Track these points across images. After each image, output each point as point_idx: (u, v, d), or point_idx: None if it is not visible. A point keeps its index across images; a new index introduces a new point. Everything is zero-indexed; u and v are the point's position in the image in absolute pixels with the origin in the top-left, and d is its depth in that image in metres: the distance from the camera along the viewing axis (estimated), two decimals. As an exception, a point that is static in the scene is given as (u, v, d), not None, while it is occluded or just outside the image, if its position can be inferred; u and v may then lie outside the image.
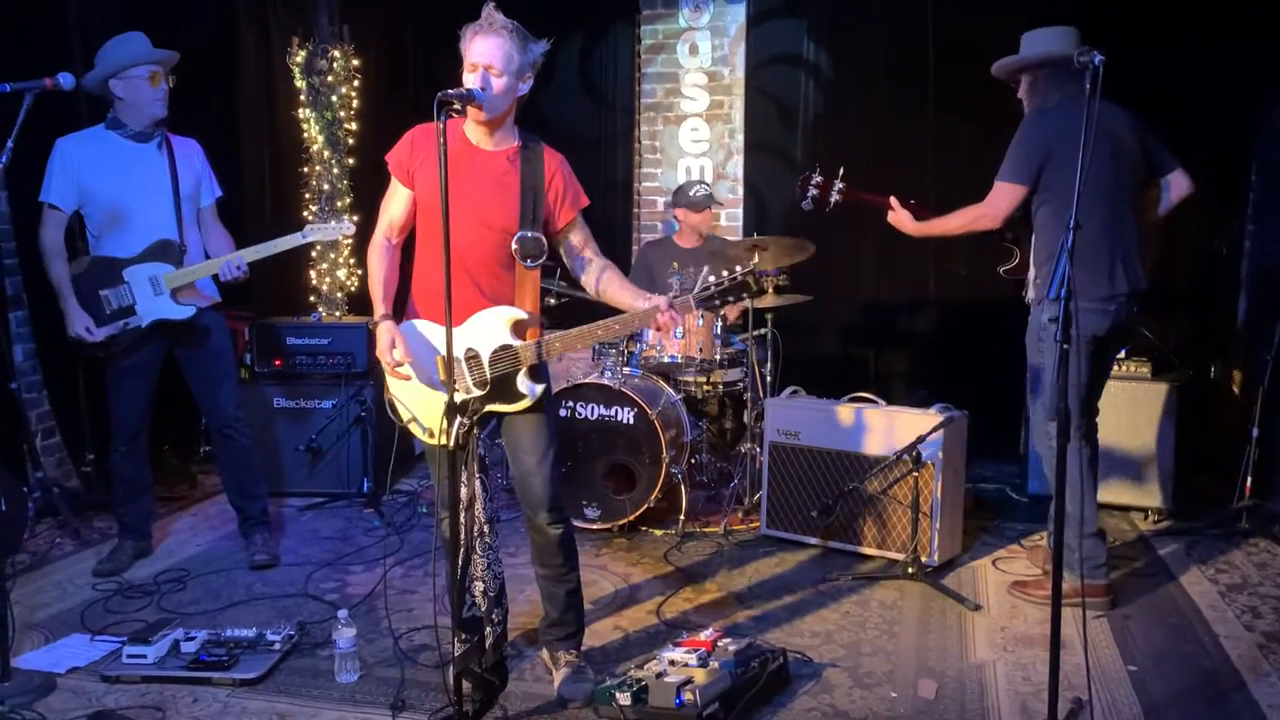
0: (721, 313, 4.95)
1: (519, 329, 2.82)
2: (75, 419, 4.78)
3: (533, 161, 2.87)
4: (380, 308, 2.88)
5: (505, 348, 2.80)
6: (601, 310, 2.99)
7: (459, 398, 2.84)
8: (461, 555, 2.65)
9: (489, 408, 2.82)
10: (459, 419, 2.59)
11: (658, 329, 2.77)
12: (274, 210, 5.88)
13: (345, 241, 5.65)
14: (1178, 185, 3.73)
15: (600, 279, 2.96)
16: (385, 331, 2.83)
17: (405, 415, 2.93)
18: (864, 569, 4.00)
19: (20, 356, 4.59)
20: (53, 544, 4.31)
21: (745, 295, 2.73)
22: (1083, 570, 3.53)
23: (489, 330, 2.80)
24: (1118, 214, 3.55)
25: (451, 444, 2.57)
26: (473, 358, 2.82)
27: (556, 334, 2.83)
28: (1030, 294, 3.72)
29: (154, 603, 3.71)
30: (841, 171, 4.00)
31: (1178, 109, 4.87)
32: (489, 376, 2.81)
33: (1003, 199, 3.60)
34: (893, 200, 3.86)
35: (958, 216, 3.71)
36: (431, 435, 2.89)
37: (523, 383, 2.81)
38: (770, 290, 4.73)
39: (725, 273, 2.71)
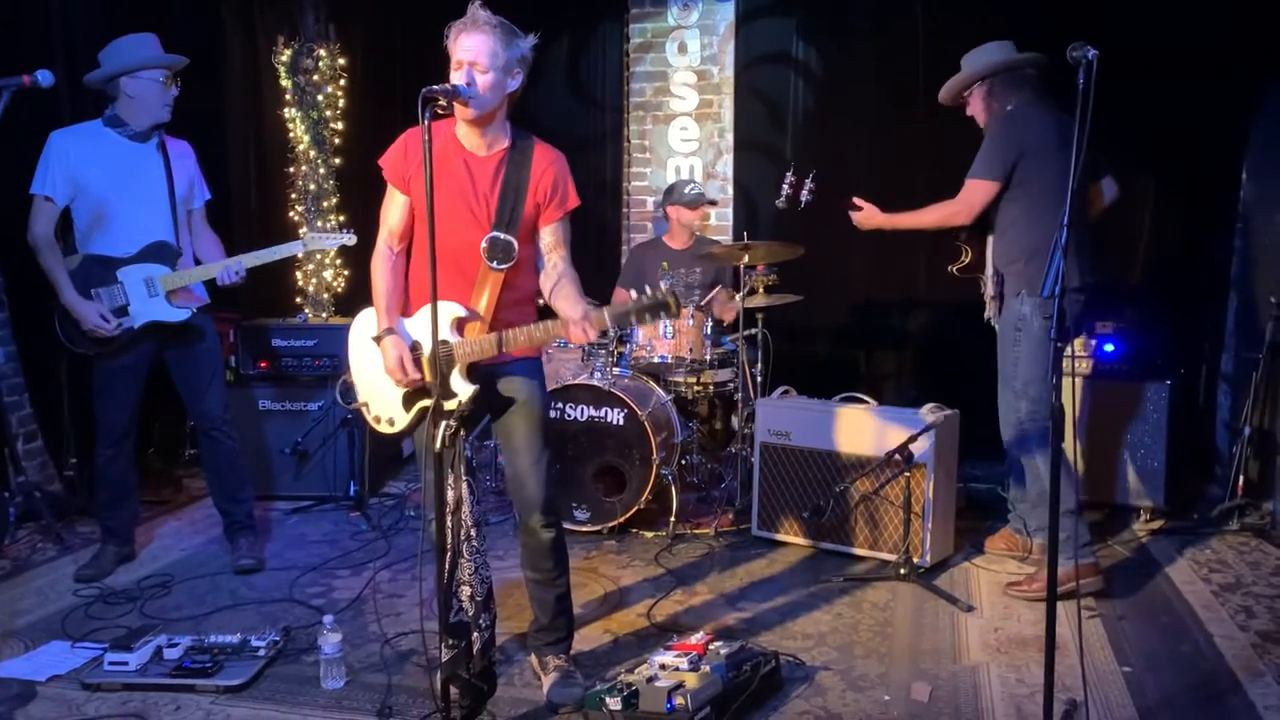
0: (716, 314, 4.94)
1: (459, 325, 2.80)
2: (58, 422, 4.72)
3: (520, 162, 2.83)
4: (384, 321, 2.86)
5: (442, 343, 2.76)
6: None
7: (404, 392, 2.87)
8: (449, 559, 2.61)
9: (455, 403, 2.75)
10: (444, 420, 2.55)
11: (570, 339, 2.73)
12: (260, 210, 5.84)
13: (333, 244, 5.60)
14: (1110, 190, 3.93)
15: (553, 287, 2.87)
16: (393, 347, 2.82)
17: (360, 399, 2.96)
18: (856, 570, 3.97)
19: (1, 359, 4.53)
20: (34, 549, 4.25)
21: (663, 315, 2.65)
22: (1076, 554, 3.54)
23: (430, 324, 2.76)
24: (1080, 212, 3.71)
25: (437, 446, 2.53)
26: (417, 351, 2.84)
27: (480, 338, 2.78)
28: (989, 291, 3.87)
29: (137, 608, 3.66)
30: (813, 173, 4.06)
31: (1167, 106, 4.87)
32: (418, 371, 2.80)
33: (976, 195, 3.73)
34: (855, 200, 3.98)
35: (931, 212, 3.84)
36: (379, 422, 2.94)
37: (456, 381, 2.77)
38: (760, 290, 4.74)
39: (648, 289, 2.67)
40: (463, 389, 2.77)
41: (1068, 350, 4.25)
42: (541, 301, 4.80)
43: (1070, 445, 4.46)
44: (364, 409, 2.98)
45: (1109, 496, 4.54)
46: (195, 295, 3.97)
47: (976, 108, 3.87)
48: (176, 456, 5.49)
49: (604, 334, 2.82)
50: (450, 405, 2.75)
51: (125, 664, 3.05)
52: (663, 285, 2.68)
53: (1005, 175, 3.67)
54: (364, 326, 2.98)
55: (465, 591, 2.69)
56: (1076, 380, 4.52)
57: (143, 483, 4.64)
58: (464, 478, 2.66)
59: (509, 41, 2.72)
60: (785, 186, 4.07)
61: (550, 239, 2.92)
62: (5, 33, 4.44)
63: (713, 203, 5.58)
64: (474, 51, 2.67)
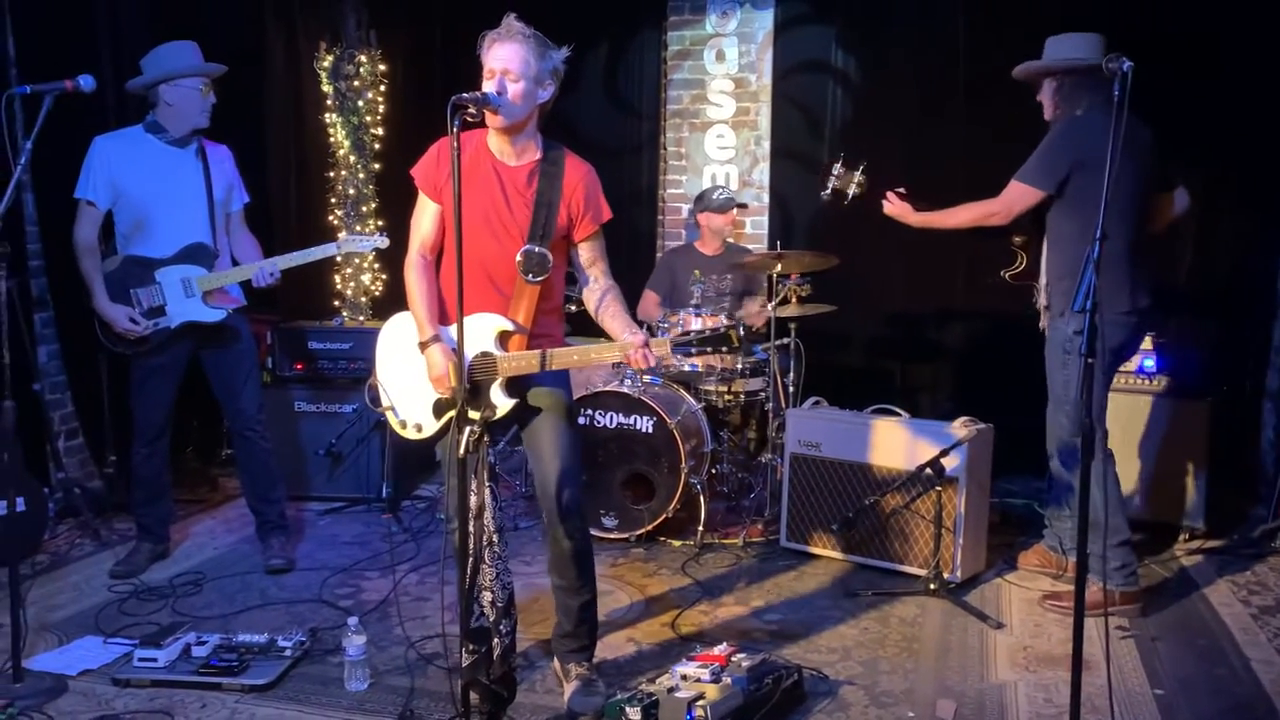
0: (747, 321, 4.92)
1: (503, 339, 2.82)
2: (98, 420, 4.80)
3: (552, 175, 2.85)
4: (428, 329, 2.87)
5: (485, 355, 2.79)
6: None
7: (438, 396, 2.88)
8: (470, 565, 2.62)
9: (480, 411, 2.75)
10: (469, 426, 2.56)
11: (628, 363, 2.74)
12: (300, 214, 5.90)
13: (371, 249, 5.66)
14: (1181, 201, 3.79)
15: (599, 302, 2.92)
16: (440, 356, 2.83)
17: (385, 403, 2.98)
18: (884, 584, 3.93)
19: (44, 358, 4.62)
20: (72, 545, 4.32)
21: (725, 348, 2.70)
22: (1106, 574, 3.50)
23: (475, 334, 2.79)
24: (1139, 229, 3.58)
25: (461, 451, 2.53)
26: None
27: (527, 352, 2.80)
28: (1042, 300, 3.75)
29: (169, 605, 3.71)
30: (863, 166, 3.98)
31: (1214, 119, 4.78)
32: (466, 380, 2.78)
33: (1017, 199, 3.62)
34: (889, 194, 3.87)
35: (966, 210, 3.72)
36: (404, 427, 2.96)
37: (495, 394, 2.79)
38: (793, 300, 4.72)
39: (710, 322, 2.69)
40: (503, 402, 2.79)
41: (1122, 367, 4.18)
42: (573, 306, 4.86)
43: (1134, 467, 4.40)
44: (390, 413, 2.99)
45: (1148, 515, 4.44)
46: (231, 296, 4.03)
47: (1046, 100, 3.70)
48: (213, 456, 5.56)
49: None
50: (491, 416, 2.77)
51: (155, 660, 3.10)
52: (723, 319, 2.70)
53: (1054, 186, 3.54)
54: (397, 331, 3.02)
55: (486, 597, 2.70)
56: (1143, 399, 4.44)
57: (179, 481, 4.72)
58: (486, 484, 2.67)
59: (542, 53, 2.74)
60: (833, 178, 3.99)
61: (588, 254, 2.95)
62: (52, 37, 4.53)
63: (742, 206, 5.56)
64: (506, 60, 2.70)
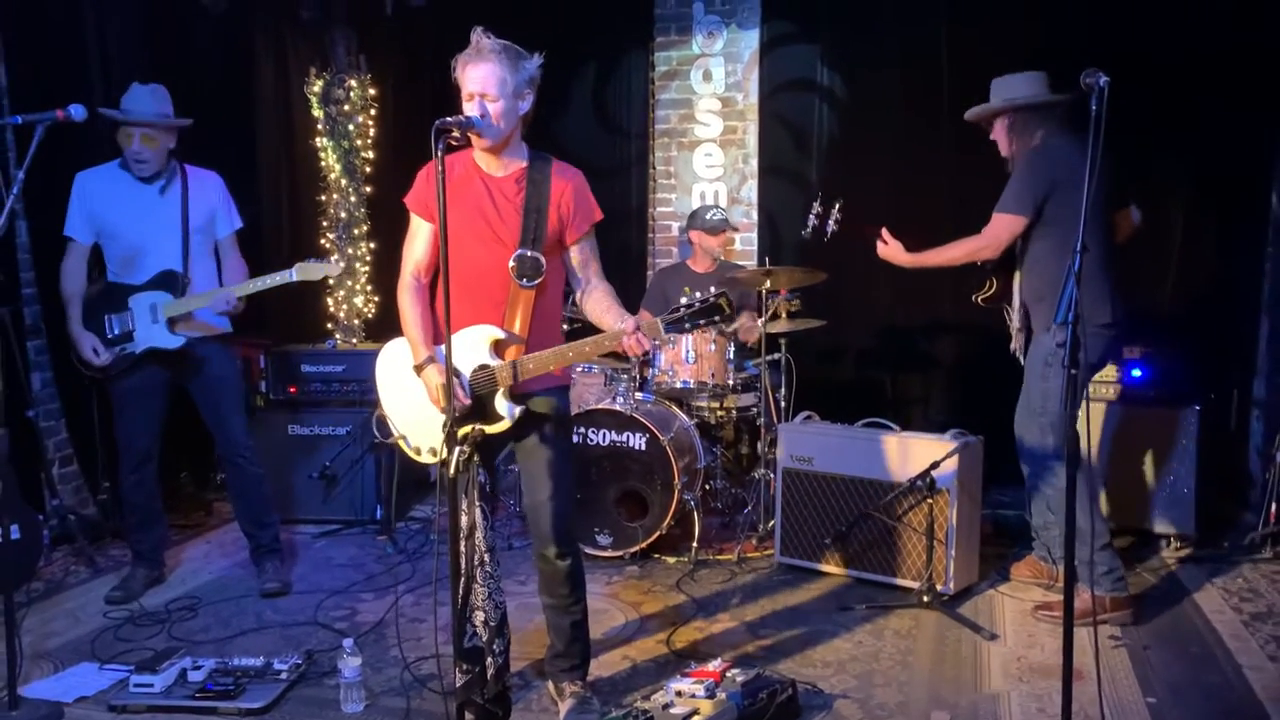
0: (740, 337, 4.95)
1: (498, 348, 2.80)
2: (92, 447, 4.82)
3: (539, 181, 2.85)
4: (422, 351, 2.84)
5: (483, 367, 2.78)
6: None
7: (442, 418, 2.84)
8: (462, 585, 2.63)
9: (469, 428, 2.72)
10: (457, 446, 2.57)
11: (626, 351, 2.71)
12: (292, 238, 5.93)
13: (362, 269, 5.68)
14: (1135, 216, 3.89)
15: (589, 299, 2.91)
16: (437, 376, 2.78)
17: (395, 432, 2.96)
18: (878, 598, 3.94)
19: (38, 385, 4.64)
20: (67, 572, 4.33)
21: (718, 318, 2.62)
22: (1093, 580, 3.54)
23: (469, 349, 2.78)
24: (1110, 244, 3.67)
25: (451, 471, 2.54)
26: (454, 375, 2.81)
27: (529, 355, 2.79)
28: (1015, 323, 3.83)
29: (165, 631, 3.72)
30: (839, 204, 4.08)
31: (1196, 129, 4.83)
32: (468, 396, 2.77)
33: (1003, 230, 3.67)
34: (884, 232, 3.94)
35: (956, 248, 3.79)
36: (419, 453, 2.93)
37: (500, 404, 2.77)
38: (783, 315, 4.75)
39: (698, 295, 2.66)
40: (509, 411, 2.77)
41: (1095, 377, 4.24)
42: (566, 326, 4.87)
43: (1123, 475, 4.43)
44: (402, 442, 2.95)
45: (1138, 523, 4.48)
46: (206, 324, 4.02)
47: (1000, 138, 3.81)
48: (208, 481, 5.57)
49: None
50: (500, 427, 2.76)
51: (150, 686, 3.11)
52: (712, 290, 2.66)
53: (1034, 210, 3.60)
54: (393, 358, 2.98)
55: (479, 617, 2.72)
56: (1097, 406, 4.47)
57: (174, 506, 4.73)
58: (478, 503, 2.68)
59: (516, 66, 2.73)
60: (812, 217, 4.11)
61: (580, 256, 2.93)
62: (45, 67, 4.56)
63: (735, 229, 5.60)
64: (482, 82, 2.70)
